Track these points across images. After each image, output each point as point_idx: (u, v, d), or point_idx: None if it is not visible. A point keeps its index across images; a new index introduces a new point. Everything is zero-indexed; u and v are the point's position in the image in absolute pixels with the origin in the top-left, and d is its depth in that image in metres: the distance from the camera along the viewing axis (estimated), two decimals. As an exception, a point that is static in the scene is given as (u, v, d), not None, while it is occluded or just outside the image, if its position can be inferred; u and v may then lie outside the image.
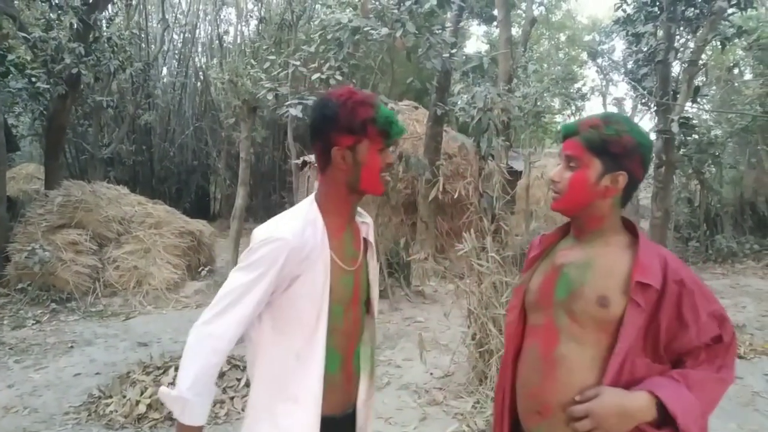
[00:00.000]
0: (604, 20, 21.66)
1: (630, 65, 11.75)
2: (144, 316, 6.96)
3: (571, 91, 18.40)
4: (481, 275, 4.37)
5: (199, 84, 17.21)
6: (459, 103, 4.99)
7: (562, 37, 24.24)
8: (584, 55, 24.01)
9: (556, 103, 16.76)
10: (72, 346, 5.65)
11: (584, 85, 22.94)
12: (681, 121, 6.96)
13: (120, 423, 3.77)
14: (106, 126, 14.60)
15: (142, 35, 14.97)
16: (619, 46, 21.65)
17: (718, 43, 7.56)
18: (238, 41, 17.17)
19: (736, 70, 15.03)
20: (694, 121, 9.85)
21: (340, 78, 6.93)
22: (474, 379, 4.26)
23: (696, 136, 9.88)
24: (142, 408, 3.84)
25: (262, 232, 1.46)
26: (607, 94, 24.58)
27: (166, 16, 15.93)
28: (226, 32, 18.37)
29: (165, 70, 17.56)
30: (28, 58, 8.74)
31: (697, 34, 7.40)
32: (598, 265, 1.35)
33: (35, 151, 16.87)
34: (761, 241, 10.92)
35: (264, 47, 11.32)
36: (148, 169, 15.94)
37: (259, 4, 15.69)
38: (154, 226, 8.45)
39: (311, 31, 10.46)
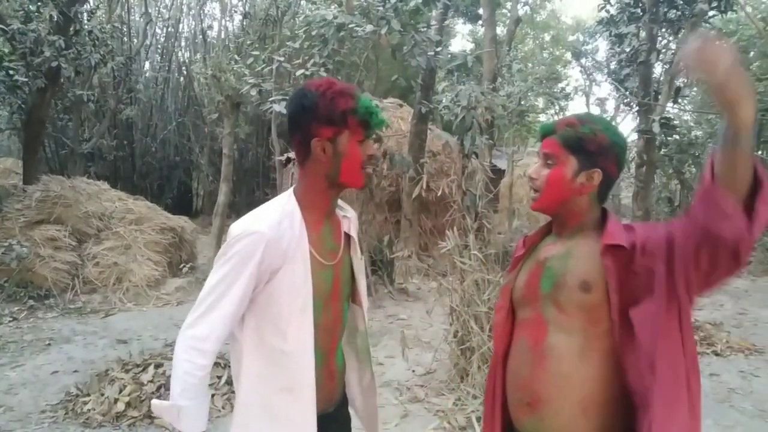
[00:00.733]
0: (588, 21, 21.85)
1: (613, 66, 11.88)
2: (124, 313, 6.88)
3: (555, 90, 18.56)
4: (464, 273, 4.38)
5: (182, 79, 17.03)
6: (444, 101, 5.00)
7: (547, 37, 24.41)
8: (568, 55, 24.22)
9: (540, 102, 16.88)
10: (50, 344, 5.57)
11: (568, 84, 23.19)
12: (662, 121, 7.04)
13: (98, 421, 3.72)
14: (86, 120, 14.37)
15: (124, 29, 14.77)
16: (602, 46, 21.85)
17: (699, 44, 7.63)
18: (222, 36, 17.02)
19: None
20: (675, 122, 9.99)
21: (324, 74, 6.89)
22: (455, 376, 4.27)
23: (677, 137, 10.02)
24: (120, 406, 3.79)
25: (237, 227, 1.44)
26: (590, 94, 24.82)
27: (149, 10, 15.73)
28: (210, 27, 18.19)
29: (147, 65, 17.37)
30: (6, 50, 8.56)
31: (679, 35, 7.49)
32: (577, 253, 1.40)
33: (14, 146, 16.55)
34: (739, 241, 11.10)
35: (248, 43, 11.22)
36: (130, 164, 15.75)
37: (244, -1, 15.58)
38: (134, 222, 8.35)
39: (296, 27, 10.40)
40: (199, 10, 17.31)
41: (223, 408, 3.87)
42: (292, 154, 14.03)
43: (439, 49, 7.45)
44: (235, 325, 1.46)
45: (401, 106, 12.08)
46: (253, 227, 1.41)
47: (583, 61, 23.23)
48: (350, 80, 8.58)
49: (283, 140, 15.15)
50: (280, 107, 6.58)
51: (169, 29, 17.11)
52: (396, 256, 6.92)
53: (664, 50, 7.99)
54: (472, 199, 4.47)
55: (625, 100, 11.41)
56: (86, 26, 9.78)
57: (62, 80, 9.77)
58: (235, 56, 9.22)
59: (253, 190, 17.42)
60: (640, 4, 7.22)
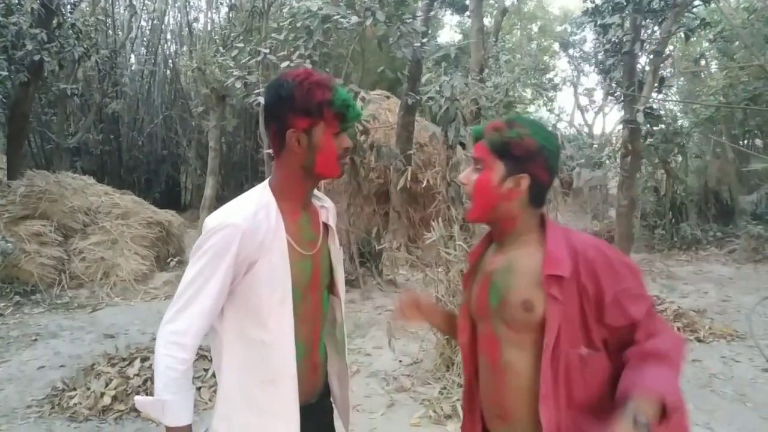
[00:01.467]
0: (576, 11, 21.88)
1: (600, 56, 11.91)
2: (111, 307, 6.86)
3: (543, 81, 18.61)
4: (449, 263, 4.41)
5: (168, 72, 16.87)
6: (429, 92, 5.01)
7: (535, 28, 24.40)
8: (556, 46, 24.25)
9: (528, 93, 16.90)
10: (36, 339, 5.55)
11: (556, 75, 23.24)
12: (646, 111, 7.09)
13: (84, 415, 3.72)
14: (72, 115, 14.20)
15: (109, 22, 14.58)
16: (590, 37, 21.92)
17: (683, 34, 7.69)
18: (209, 29, 16.87)
19: (702, 62, 15.33)
20: (661, 112, 10.06)
21: (310, 66, 6.87)
22: (441, 366, 4.31)
23: (662, 126, 10.09)
24: (106, 400, 3.80)
25: (212, 220, 1.43)
26: (578, 85, 24.87)
27: (134, 2, 15.54)
28: (196, 19, 18.02)
29: (133, 58, 17.16)
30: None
31: (662, 25, 7.53)
32: (518, 268, 1.37)
33: (-2, 141, 16.40)
34: (724, 229, 11.24)
35: (233, 35, 11.14)
36: (116, 158, 15.61)
37: (230, -9, 15.43)
38: (121, 216, 8.31)
39: (281, 19, 10.34)
40: (184, 2, 17.14)
41: (210, 400, 3.88)
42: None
43: (425, 40, 7.46)
44: (215, 318, 1.46)
45: (388, 97, 12.07)
46: (227, 220, 1.40)
47: (570, 51, 23.27)
48: (337, 72, 8.56)
49: (271, 133, 15.08)
50: (266, 100, 6.56)
51: (155, 22, 16.91)
52: (383, 247, 6.94)
53: (648, 40, 8.02)
54: (457, 190, 4.49)
55: (610, 91, 11.46)
56: (69, 19, 9.65)
57: (45, 74, 9.68)
58: (220, 48, 9.16)
59: (241, 183, 17.31)
60: (625, -6, 7.25)
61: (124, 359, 4.20)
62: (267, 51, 7.08)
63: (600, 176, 15.82)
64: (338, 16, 6.70)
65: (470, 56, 8.93)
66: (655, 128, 9.63)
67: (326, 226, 1.66)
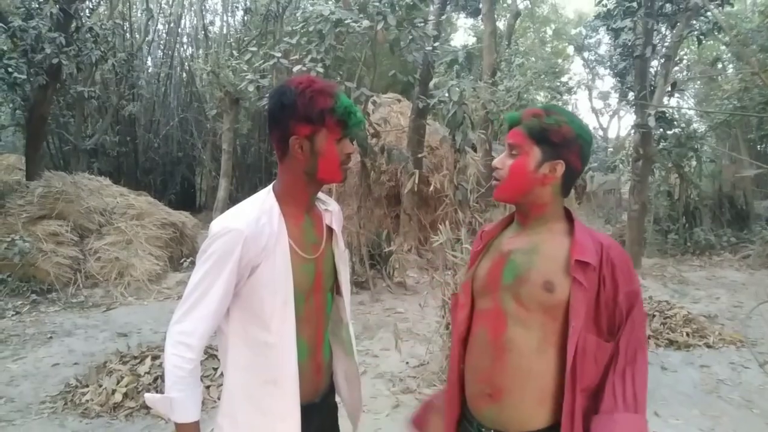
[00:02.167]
0: (590, 14, 21.79)
1: (615, 59, 11.87)
2: (125, 307, 6.97)
3: (558, 84, 18.53)
4: (456, 266, 4.43)
5: (184, 75, 17.08)
6: (437, 96, 5.04)
7: (549, 31, 24.33)
8: (570, 49, 24.15)
9: (541, 96, 16.85)
10: (51, 337, 5.67)
11: (571, 79, 23.14)
12: (657, 115, 7.06)
13: (96, 412, 3.81)
14: (89, 117, 14.45)
15: (126, 25, 14.82)
16: (605, 39, 21.81)
17: (695, 38, 7.65)
18: (224, 32, 17.06)
19: (719, 65, 15.19)
20: (675, 115, 9.99)
21: (321, 70, 6.93)
22: (447, 368, 4.33)
23: (676, 130, 10.02)
24: (118, 397, 3.88)
25: (216, 224, 1.48)
26: (593, 88, 24.75)
27: (151, 6, 15.79)
28: (212, 23, 18.24)
29: (149, 61, 17.39)
30: (6, 47, 8.64)
31: (675, 29, 7.50)
32: (543, 250, 1.41)
33: (18, 142, 16.64)
34: (738, 234, 11.11)
35: (247, 39, 11.27)
36: (133, 160, 15.82)
37: (245, -5, 15.61)
38: (135, 217, 8.45)
39: (294, 22, 10.46)
40: (200, 6, 17.35)
41: (218, 399, 3.94)
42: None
43: (436, 44, 7.49)
44: (221, 319, 1.51)
45: (400, 101, 12.11)
46: (231, 225, 1.44)
47: (585, 54, 23.17)
48: (350, 75, 8.63)
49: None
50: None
51: (171, 25, 17.14)
52: (390, 249, 6.98)
53: (660, 44, 7.98)
54: (464, 194, 4.52)
55: (623, 95, 11.40)
56: (87, 23, 9.84)
57: (64, 77, 9.85)
58: (234, 52, 9.27)
59: (255, 185, 17.44)
60: (636, -2, 7.23)
61: (135, 357, 4.28)
62: (279, 55, 7.15)
63: (614, 180, 15.74)
64: (350, 21, 6.76)
65: (482, 60, 8.97)
66: (668, 132, 9.58)
67: (330, 229, 1.69)
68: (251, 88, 7.27)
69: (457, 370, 1.54)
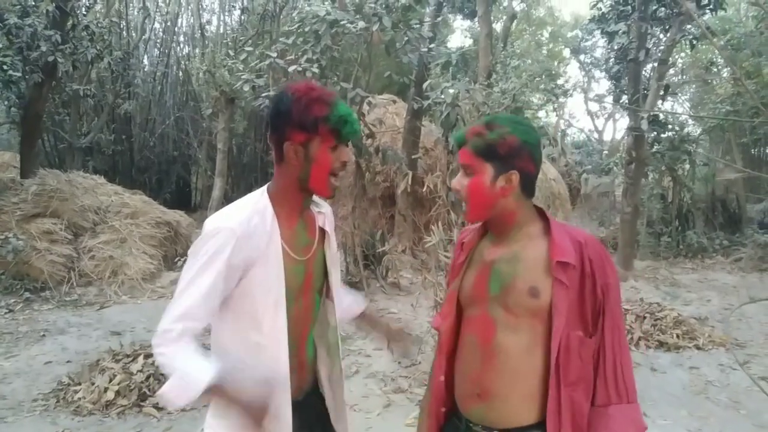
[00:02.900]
0: (586, 17, 21.87)
1: (610, 62, 11.92)
2: (119, 305, 6.98)
3: (553, 87, 18.57)
4: (448, 267, 4.46)
5: (180, 74, 17.06)
6: (433, 97, 5.07)
7: (545, 34, 24.40)
8: (567, 52, 24.23)
9: (536, 98, 16.90)
10: (44, 335, 5.67)
11: (566, 81, 23.20)
12: (650, 118, 7.11)
13: (88, 410, 3.82)
14: (84, 115, 14.42)
15: (122, 24, 14.80)
16: (600, 43, 21.87)
17: (688, 43, 7.72)
18: (221, 31, 17.05)
19: (713, 69, 15.28)
20: (669, 119, 10.05)
21: (317, 71, 6.96)
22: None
23: (670, 134, 10.09)
24: (110, 395, 3.89)
25: (209, 223, 1.50)
26: (589, 91, 24.83)
27: (147, 5, 15.75)
28: (209, 22, 18.22)
29: (146, 60, 17.36)
30: (0, 45, 8.63)
31: (668, 33, 7.55)
32: (524, 257, 1.43)
33: (14, 139, 16.57)
34: (731, 237, 11.19)
35: (243, 38, 11.27)
36: (128, 158, 15.79)
37: (242, -6, 15.62)
38: (130, 216, 8.45)
39: (291, 22, 10.47)
40: (197, 4, 17.34)
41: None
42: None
43: (432, 45, 7.54)
44: (209, 315, 1.51)
45: (395, 102, 12.15)
46: (222, 224, 1.47)
47: (581, 57, 23.24)
48: (346, 76, 8.66)
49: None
50: (274, 103, 6.65)
51: (168, 24, 17.12)
52: (383, 250, 7.00)
53: (653, 48, 8.04)
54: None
55: (617, 98, 11.47)
56: (83, 21, 9.83)
57: (59, 75, 9.84)
58: (230, 52, 9.28)
59: (251, 185, 17.42)
60: (630, 2, 7.27)
61: (128, 356, 4.30)
62: (275, 55, 7.17)
63: (608, 183, 15.80)
64: (346, 22, 6.79)
65: (478, 62, 9.00)
66: (662, 135, 9.64)
67: (322, 230, 1.71)
68: (247, 88, 7.29)
69: (439, 381, 1.57)
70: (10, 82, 8.39)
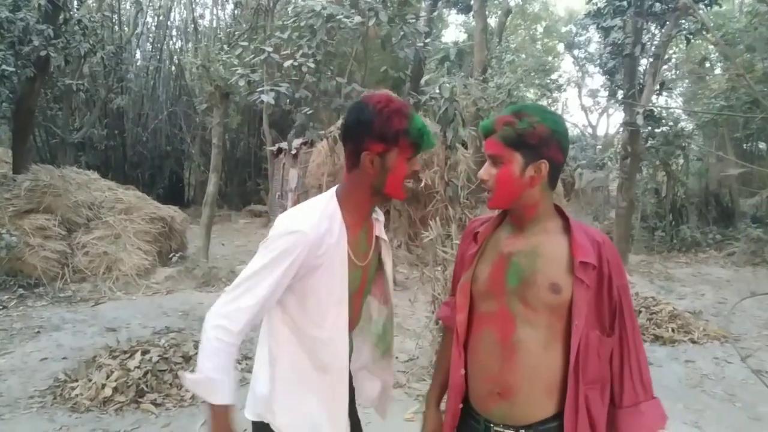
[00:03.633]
0: (581, 12, 21.88)
1: (604, 57, 11.95)
2: (113, 301, 6.93)
3: (548, 81, 18.61)
4: (446, 262, 4.46)
5: (173, 68, 16.98)
6: (429, 92, 5.06)
7: (539, 28, 24.41)
8: (561, 47, 24.26)
9: (531, 93, 16.93)
10: (39, 332, 5.63)
11: (561, 76, 23.26)
12: (646, 113, 7.13)
13: (85, 406, 3.80)
14: (77, 110, 14.35)
15: (115, 18, 14.71)
16: (595, 38, 21.92)
17: (684, 38, 7.74)
18: (214, 25, 16.97)
19: (707, 64, 15.34)
20: (663, 114, 10.09)
21: (312, 65, 6.92)
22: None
23: (664, 129, 10.13)
24: (107, 391, 3.87)
25: (283, 222, 1.53)
26: (583, 86, 24.89)
27: (140, -1, 15.66)
28: (202, 16, 18.14)
29: (138, 54, 17.30)
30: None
31: (664, 28, 7.57)
32: (545, 252, 1.43)
33: (5, 135, 16.48)
34: (724, 232, 11.26)
35: (238, 33, 11.21)
36: (121, 154, 15.74)
37: (235, -12, 15.51)
38: (124, 211, 8.40)
39: (285, 17, 10.42)
40: (190, -2, 17.23)
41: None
42: (283, 144, 14.03)
43: (428, 40, 7.52)
44: (272, 312, 1.58)
45: (391, 97, 12.10)
46: (299, 226, 1.49)
47: (575, 52, 23.28)
48: (341, 71, 8.63)
49: (275, 130, 15.16)
50: (269, 98, 6.63)
51: (161, 18, 17.04)
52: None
53: (649, 43, 8.05)
54: (455, 190, 4.54)
55: (613, 93, 11.50)
56: (75, 15, 9.75)
57: (51, 69, 9.77)
58: (224, 46, 9.22)
59: (245, 180, 17.44)
60: (626, -2, 7.29)
61: (125, 352, 4.27)
62: (270, 49, 7.13)
63: (602, 177, 15.85)
64: (341, 16, 6.75)
65: (473, 56, 8.99)
66: (656, 130, 9.67)
67: (378, 238, 1.75)
68: (242, 83, 7.24)
69: (459, 374, 1.54)
70: (2, 77, 8.31)
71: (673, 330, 5.46)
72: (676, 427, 3.59)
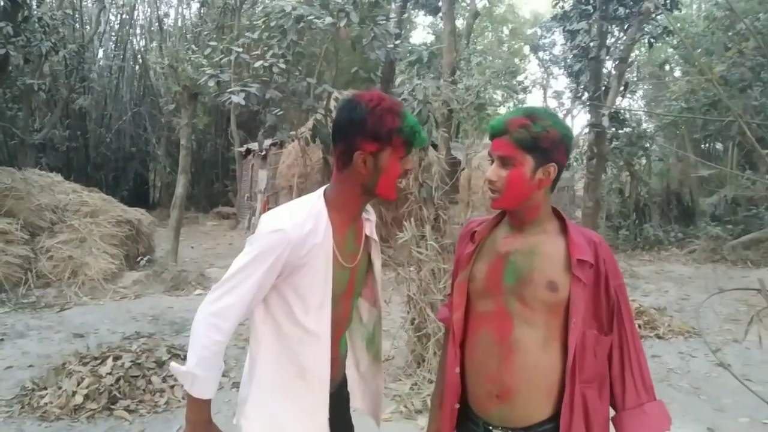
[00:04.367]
0: (546, 15, 22.27)
1: (569, 60, 12.21)
2: (80, 307, 6.76)
3: (513, 83, 18.89)
4: (421, 262, 4.50)
5: (137, 68, 16.64)
6: (402, 94, 5.09)
7: (506, 31, 24.76)
8: (526, 49, 24.65)
9: (498, 95, 17.15)
10: (2, 339, 5.45)
11: (526, 78, 23.65)
12: (611, 115, 7.32)
13: (55, 414, 3.69)
14: (37, 110, 13.95)
15: (77, 16, 14.35)
16: (559, 40, 22.34)
17: (647, 41, 7.98)
18: (179, 24, 16.69)
19: (667, 67, 15.80)
20: (626, 115, 10.37)
21: (283, 66, 6.88)
22: (412, 362, 4.41)
23: (627, 130, 10.42)
24: (78, 399, 3.77)
25: (268, 221, 1.51)
26: (548, 87, 25.35)
27: (102, -4, 15.30)
28: (167, 15, 17.83)
29: (101, 53, 16.89)
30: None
31: (627, 32, 7.78)
32: (542, 251, 1.45)
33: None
34: (685, 230, 11.64)
35: (205, 32, 11.07)
36: (83, 155, 15.35)
37: (201, -13, 15.30)
38: (89, 214, 8.20)
39: (255, 17, 10.31)
40: (154, -4, 16.92)
41: (183, 398, 3.90)
42: (251, 146, 13.90)
43: (398, 42, 7.56)
44: (253, 309, 1.55)
45: (361, 98, 12.11)
46: (279, 225, 1.48)
47: (540, 54, 23.71)
48: (310, 71, 8.59)
49: (243, 131, 15.01)
50: (239, 98, 6.56)
51: (124, 16, 16.69)
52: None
53: (614, 46, 8.27)
54: (429, 191, 4.59)
55: (578, 95, 11.76)
56: (36, 12, 9.48)
57: (11, 68, 9.47)
58: (193, 46, 9.09)
59: (212, 181, 17.21)
60: (591, 1, 7.46)
61: (96, 358, 4.17)
62: (240, 50, 7.06)
63: (567, 178, 16.16)
64: (312, 17, 6.74)
65: (442, 58, 9.08)
66: (620, 132, 9.94)
67: (368, 238, 1.73)
68: (211, 83, 7.16)
69: (455, 373, 1.55)
70: (-42, 75, 8.04)
71: (639, 326, 5.62)
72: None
